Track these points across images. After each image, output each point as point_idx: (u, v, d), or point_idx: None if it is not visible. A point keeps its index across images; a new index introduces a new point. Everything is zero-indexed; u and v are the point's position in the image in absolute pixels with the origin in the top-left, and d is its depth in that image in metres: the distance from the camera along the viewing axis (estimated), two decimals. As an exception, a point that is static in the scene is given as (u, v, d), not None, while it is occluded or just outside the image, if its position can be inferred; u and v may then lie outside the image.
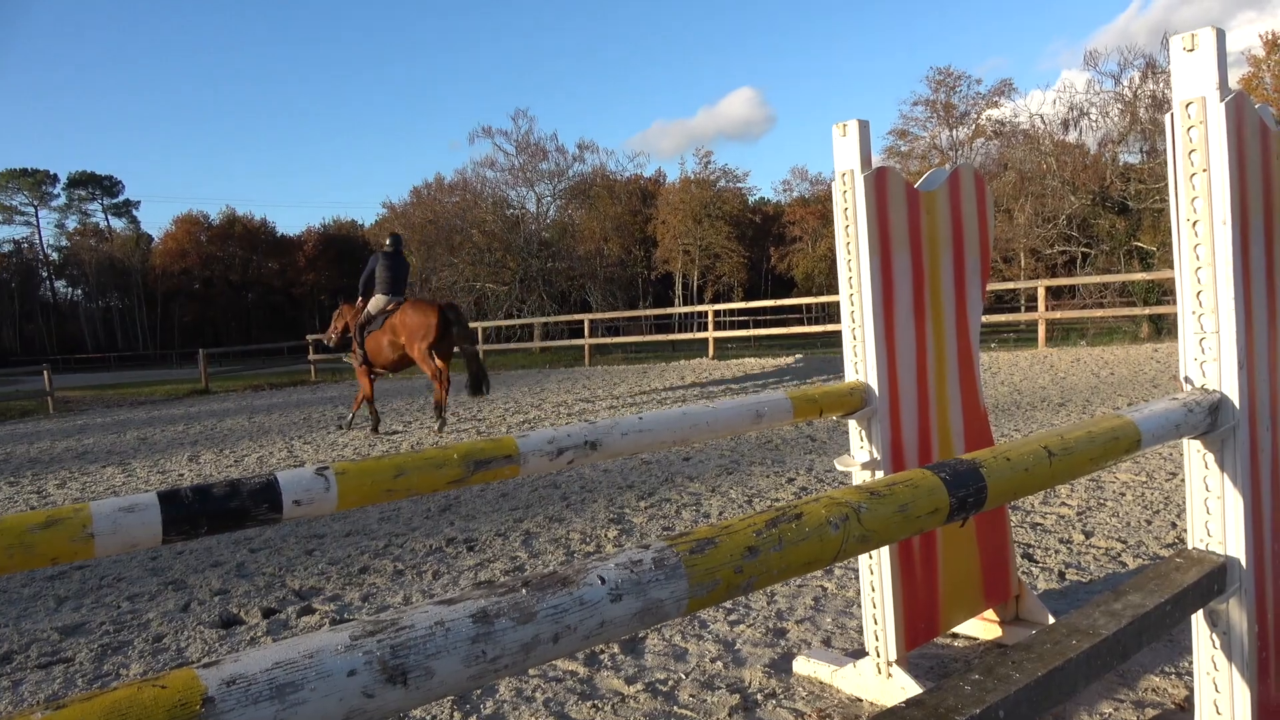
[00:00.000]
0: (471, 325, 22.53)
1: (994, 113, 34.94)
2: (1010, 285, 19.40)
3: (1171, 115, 1.69)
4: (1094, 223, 25.59)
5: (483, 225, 36.59)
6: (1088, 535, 3.78)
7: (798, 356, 16.32)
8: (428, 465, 1.55)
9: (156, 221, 75.20)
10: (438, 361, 8.65)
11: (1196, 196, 1.67)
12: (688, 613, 0.89)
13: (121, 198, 63.42)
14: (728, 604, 3.17)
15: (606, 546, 4.13)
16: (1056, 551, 3.59)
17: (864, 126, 2.27)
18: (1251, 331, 1.71)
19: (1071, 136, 28.24)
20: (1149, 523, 3.92)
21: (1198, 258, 1.68)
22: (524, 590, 0.79)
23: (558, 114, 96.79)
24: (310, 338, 23.18)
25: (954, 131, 37.35)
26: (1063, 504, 4.32)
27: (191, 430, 10.66)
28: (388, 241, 9.51)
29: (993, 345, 16.28)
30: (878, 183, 2.27)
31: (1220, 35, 1.65)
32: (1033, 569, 3.40)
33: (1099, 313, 15.95)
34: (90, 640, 3.29)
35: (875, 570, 2.32)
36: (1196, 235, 1.67)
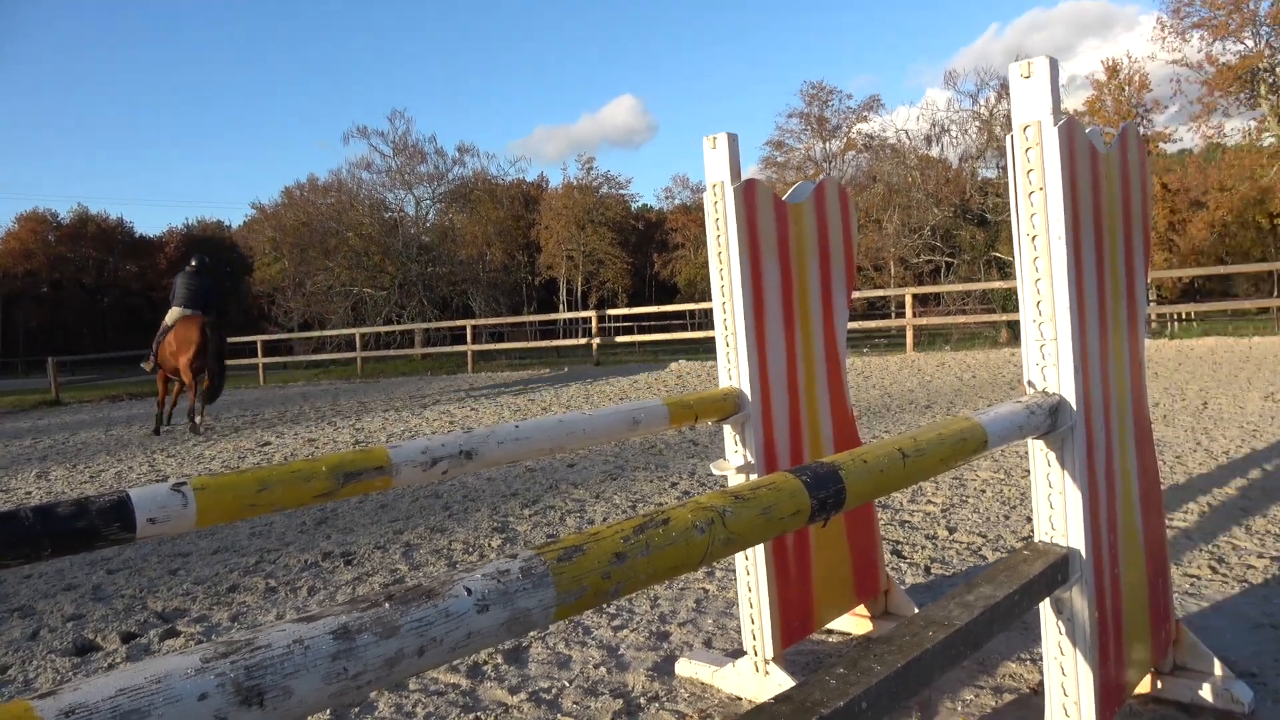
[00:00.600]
0: (349, 331, 21.89)
1: (864, 127, 36.44)
2: (881, 292, 20.26)
3: (1011, 137, 1.81)
4: (956, 233, 27.00)
5: (359, 228, 35.57)
6: (951, 531, 3.99)
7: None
8: (294, 478, 1.50)
9: (-2, 220, 69.72)
10: (188, 375, 9.93)
11: (1034, 213, 1.79)
12: (555, 620, 0.90)
13: (-45, 194, 58.53)
14: (611, 609, 3.19)
15: (490, 555, 4.09)
16: (923, 547, 3.77)
17: (733, 140, 2.33)
18: (1086, 338, 1.85)
19: (935, 151, 29.75)
20: (1006, 518, 4.17)
21: (1036, 269, 1.80)
22: (387, 604, 0.78)
23: (436, 117, 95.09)
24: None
25: (827, 144, 38.70)
26: (929, 501, 4.54)
27: (40, 445, 9.93)
28: (193, 260, 10.67)
29: (865, 350, 16.95)
30: (747, 194, 2.34)
31: (1054, 64, 1.78)
32: (901, 565, 3.56)
33: (962, 319, 16.83)
34: (-80, 676, 3.03)
35: (751, 571, 2.38)
36: (1035, 248, 1.80)
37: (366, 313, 34.37)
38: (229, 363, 22.28)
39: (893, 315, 28.62)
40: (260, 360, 21.20)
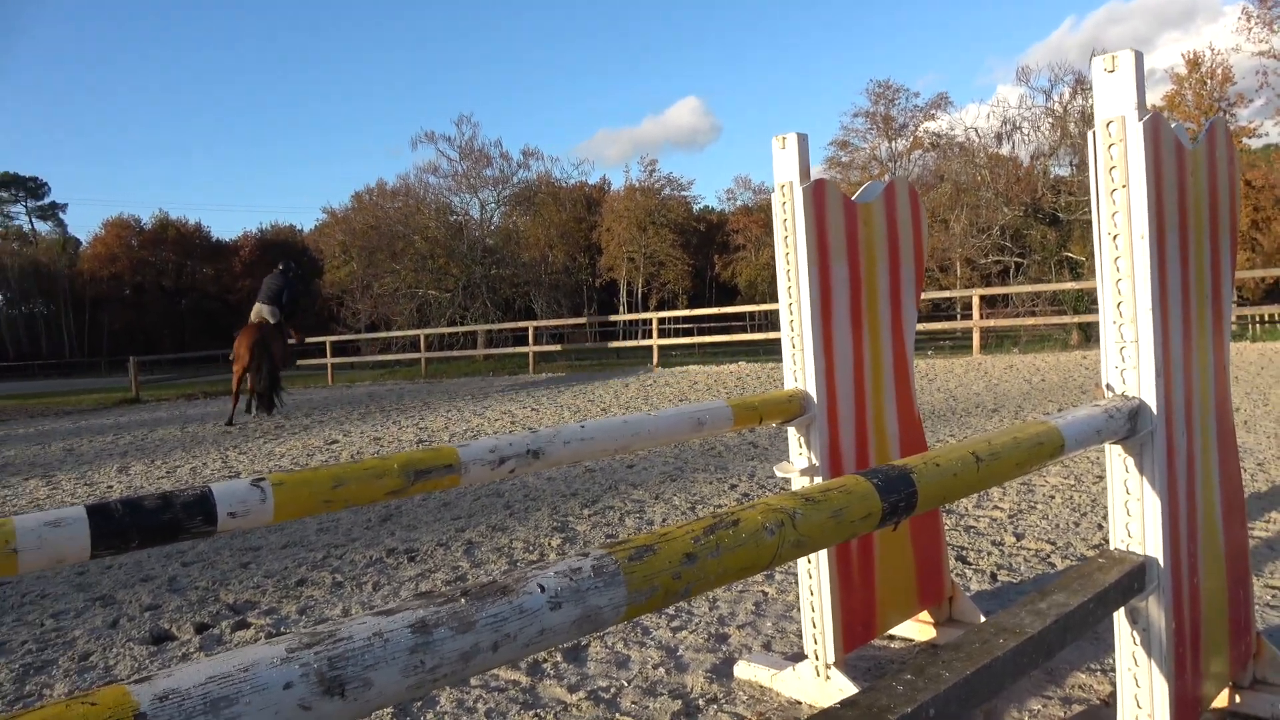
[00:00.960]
0: (414, 332, 22.29)
1: (931, 125, 35.80)
2: (947, 294, 19.86)
3: (1093, 133, 1.76)
4: (1026, 233, 26.35)
5: (425, 231, 36.20)
6: (1019, 537, 3.89)
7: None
8: (366, 475, 1.53)
9: (85, 225, 73.25)
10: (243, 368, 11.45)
11: (1116, 211, 1.74)
12: (626, 619, 0.91)
13: (47, 200, 61.36)
14: (670, 610, 3.19)
15: (550, 555, 4.12)
16: (989, 554, 3.69)
17: (803, 140, 2.31)
18: (1168, 340, 1.79)
19: (1005, 149, 29.08)
20: (1076, 525, 4.05)
21: (1118, 269, 1.75)
22: (463, 600, 0.79)
23: (502, 121, 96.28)
24: (246, 345, 22.69)
25: (893, 143, 38.14)
26: (995, 507, 4.44)
27: (121, 441, 10.33)
28: (279, 264, 12.15)
29: (929, 352, 16.65)
30: (816, 194, 2.31)
31: (1139, 57, 1.73)
32: (966, 571, 3.48)
33: (1031, 321, 16.41)
34: (11, 660, 3.17)
35: (814, 575, 2.36)
36: (1116, 248, 1.74)
37: (431, 314, 34.95)
38: (304, 362, 22.92)
39: (959, 317, 28.05)
40: (329, 360, 21.72)
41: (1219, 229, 2.04)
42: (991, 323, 16.67)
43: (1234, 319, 20.89)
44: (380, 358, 24.90)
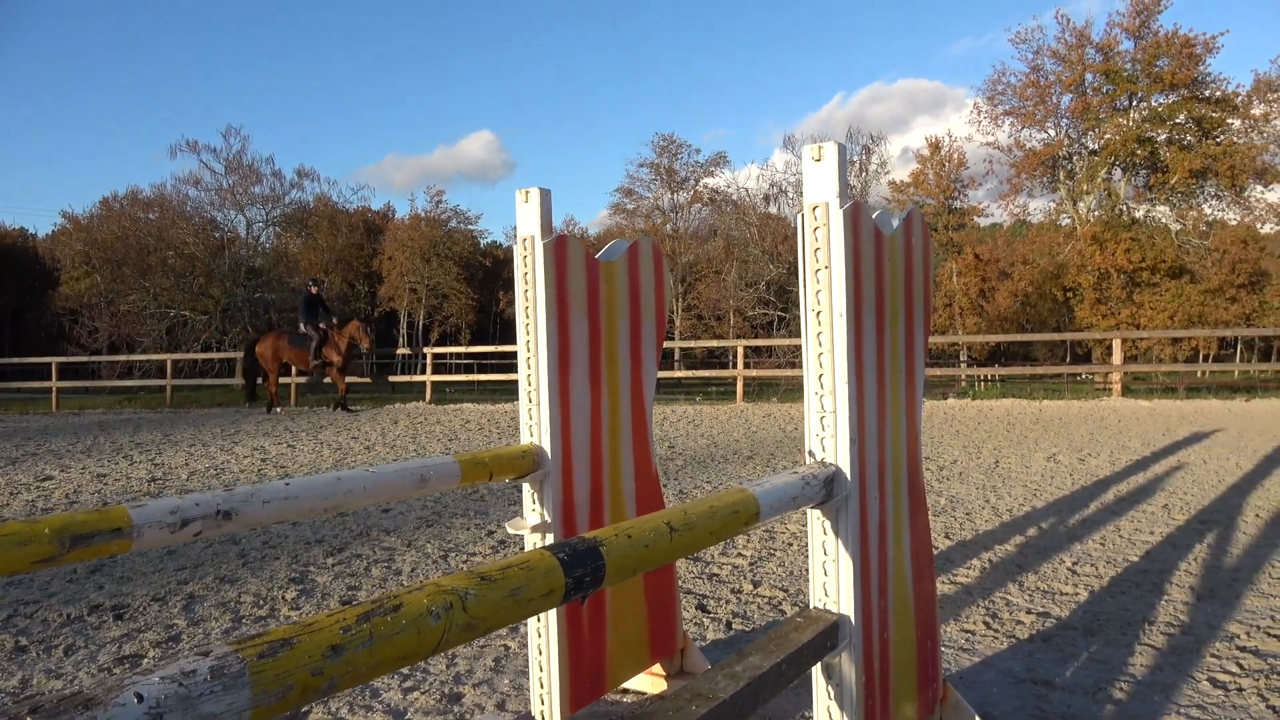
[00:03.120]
0: (161, 356, 20.57)
1: (710, 181, 37.76)
2: (719, 343, 20.85)
3: (800, 216, 1.88)
4: (790, 289, 28.27)
5: (183, 248, 33.37)
6: (756, 585, 4.07)
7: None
8: (7, 543, 1.33)
9: None
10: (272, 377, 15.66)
11: (820, 289, 1.86)
12: (250, 724, 0.82)
13: None
14: (404, 670, 3.04)
15: (282, 609, 3.83)
16: (727, 601, 3.83)
17: (545, 194, 2.32)
18: (863, 410, 1.94)
19: (773, 209, 31.15)
20: (809, 572, 4.30)
21: (819, 344, 1.87)
22: (29, 719, 0.68)
23: (280, 136, 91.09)
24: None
25: (675, 195, 39.80)
26: (739, 554, 4.64)
27: None
28: (311, 285, 16.20)
29: (697, 399, 17.35)
30: (558, 250, 2.33)
31: (842, 150, 1.88)
32: (705, 619, 3.59)
33: (789, 372, 17.53)
34: None
35: (542, 632, 2.33)
36: (819, 324, 1.87)
37: (184, 337, 32.13)
38: (24, 385, 20.33)
39: (730, 365, 29.57)
40: (54, 383, 19.37)
41: (913, 306, 2.25)
42: (755, 372, 17.68)
43: (963, 377, 23.38)
44: (120, 383, 22.52)
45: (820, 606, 1.89)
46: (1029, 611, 3.63)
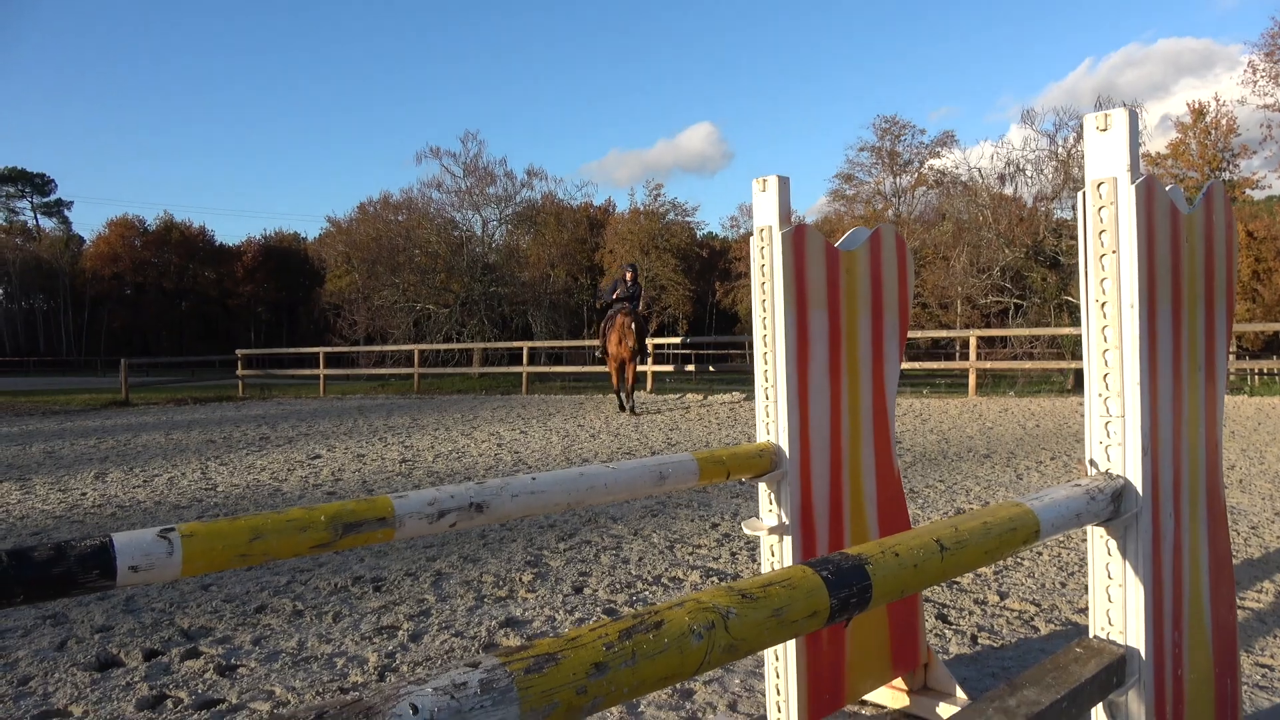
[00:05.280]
0: (409, 347, 22.27)
1: (935, 163, 35.91)
2: (946, 333, 19.75)
3: (1083, 194, 1.66)
4: (1027, 275, 26.34)
5: (427, 246, 36.19)
6: (1002, 596, 3.77)
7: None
8: (289, 528, 1.42)
9: (89, 224, 73.36)
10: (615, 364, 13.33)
11: (1105, 277, 1.64)
12: (518, 742, 0.79)
13: (53, 197, 61.53)
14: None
15: (520, 591, 3.99)
16: (971, 613, 3.56)
17: (784, 182, 2.22)
18: (1156, 415, 1.69)
19: (1009, 190, 29.13)
20: (1063, 585, 3.93)
21: (1105, 339, 1.65)
22: (316, 724, 0.68)
23: (512, 136, 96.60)
24: (241, 352, 22.59)
25: (897, 179, 38.24)
26: (981, 561, 4.32)
27: (103, 445, 10.20)
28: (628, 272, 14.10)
29: (924, 391, 16.53)
30: (796, 240, 2.22)
31: (1133, 116, 1.64)
32: (946, 631, 3.36)
33: (1028, 364, 16.32)
34: (-53, 682, 3.04)
35: (780, 638, 2.24)
36: (1105, 316, 1.65)
37: (428, 329, 34.86)
38: (297, 372, 22.84)
39: (957, 356, 27.97)
40: (322, 371, 21.59)
41: (1214, 296, 1.94)
42: (989, 364, 16.57)
43: (1233, 371, 20.86)
44: (375, 371, 24.78)
45: (1103, 636, 1.66)
46: (1344, 649, 3.10)
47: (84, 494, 6.89)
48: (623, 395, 13.32)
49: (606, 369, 13.78)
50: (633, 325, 12.71)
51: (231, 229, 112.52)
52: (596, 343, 14.24)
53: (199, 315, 61.05)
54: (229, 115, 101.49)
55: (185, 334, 59.36)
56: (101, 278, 57.11)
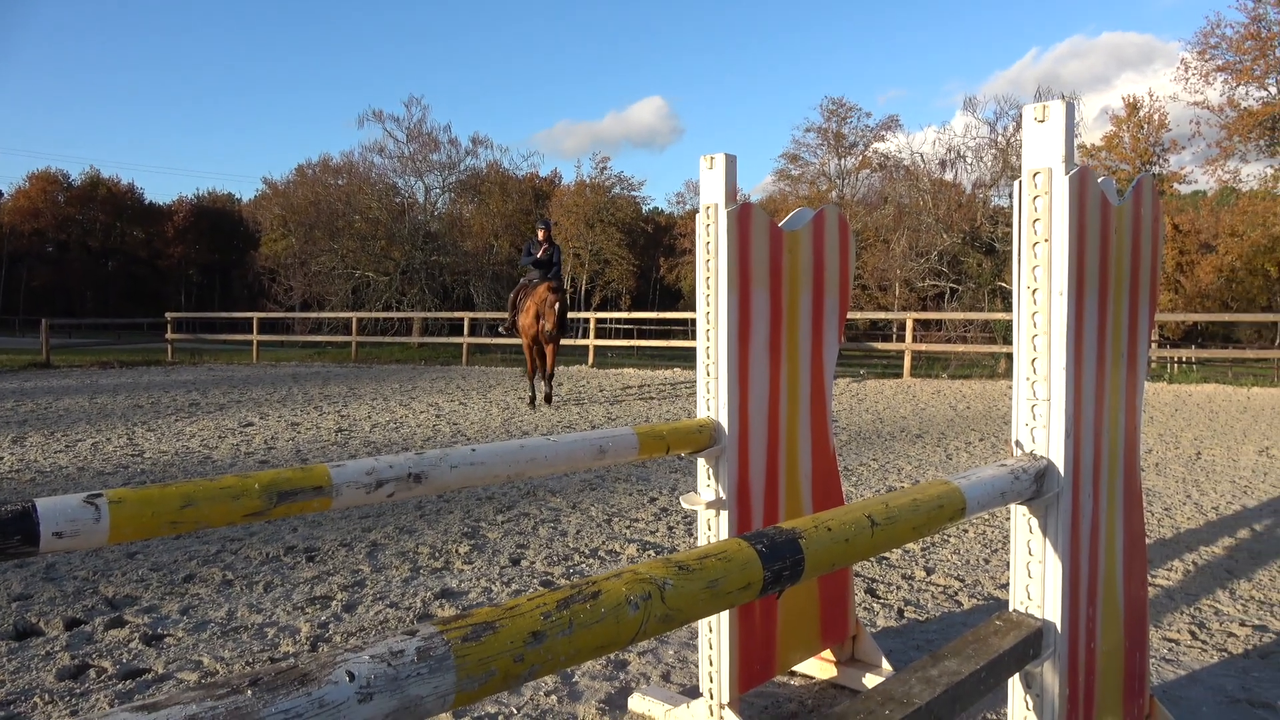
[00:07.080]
0: (347, 314, 21.79)
1: (880, 146, 36.36)
2: (884, 315, 20.14)
3: (1019, 183, 1.71)
4: (964, 260, 26.91)
5: (368, 211, 35.47)
6: (929, 572, 3.88)
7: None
8: (222, 495, 1.40)
9: (7, 176, 69.77)
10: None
11: (1037, 265, 1.69)
12: (454, 708, 0.80)
13: (-32, 147, 58.47)
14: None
15: (456, 563, 3.98)
16: (899, 587, 3.67)
17: (731, 161, 2.23)
18: (1080, 400, 1.75)
19: (949, 176, 29.65)
20: (986, 562, 4.07)
21: (1034, 325, 1.70)
22: (250, 691, 0.68)
23: (458, 102, 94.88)
24: (171, 315, 21.92)
25: (842, 160, 38.64)
26: (910, 538, 4.44)
27: (22, 408, 9.83)
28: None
29: (861, 372, 16.85)
30: (741, 219, 2.24)
31: (1070, 109, 1.69)
32: (874, 604, 3.45)
33: (961, 347, 16.72)
34: None
35: (714, 611, 2.28)
36: (1035, 303, 1.70)
37: (367, 297, 34.26)
38: (230, 338, 22.22)
39: (894, 338, 28.53)
40: (255, 337, 21.09)
41: (1139, 287, 2.02)
42: (924, 346, 16.94)
43: (1154, 359, 21.65)
44: (310, 338, 24.28)
45: (1022, 610, 1.73)
46: (1243, 623, 3.27)
47: (0, 459, 6.65)
48: (537, 383, 10.52)
49: (519, 341, 10.75)
50: (556, 304, 9.86)
51: (162, 187, 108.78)
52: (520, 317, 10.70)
53: (127, 276, 58.94)
54: (159, 66, 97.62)
55: (111, 295, 57.27)
56: (20, 233, 54.67)
